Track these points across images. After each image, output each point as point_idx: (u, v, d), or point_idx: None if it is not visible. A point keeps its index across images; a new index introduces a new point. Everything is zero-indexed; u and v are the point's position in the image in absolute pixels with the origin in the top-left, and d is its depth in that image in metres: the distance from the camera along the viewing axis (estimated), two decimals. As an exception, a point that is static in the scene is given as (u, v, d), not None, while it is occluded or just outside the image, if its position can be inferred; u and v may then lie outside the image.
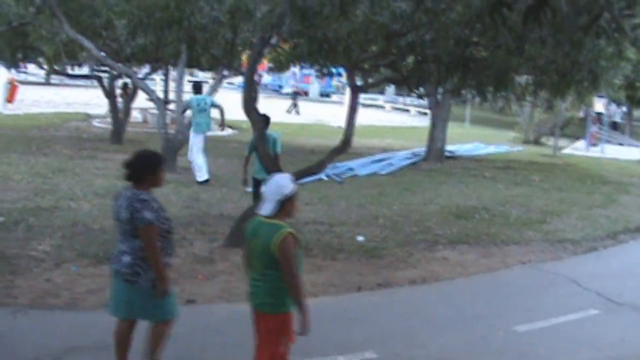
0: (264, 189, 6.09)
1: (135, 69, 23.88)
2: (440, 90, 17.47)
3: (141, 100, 27.80)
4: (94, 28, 19.33)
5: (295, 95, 50.30)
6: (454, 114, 31.48)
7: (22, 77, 45.26)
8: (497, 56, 11.00)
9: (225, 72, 21.92)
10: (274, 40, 12.37)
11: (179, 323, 6.85)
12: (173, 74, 28.25)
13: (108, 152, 22.07)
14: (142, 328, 6.69)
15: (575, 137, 40.23)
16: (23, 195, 14.42)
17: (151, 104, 26.71)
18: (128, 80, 25.62)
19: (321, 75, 15.28)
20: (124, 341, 6.72)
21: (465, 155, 28.67)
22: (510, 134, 40.06)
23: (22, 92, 37.36)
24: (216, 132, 23.16)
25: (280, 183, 6.04)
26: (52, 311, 8.59)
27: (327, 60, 11.89)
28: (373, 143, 30.30)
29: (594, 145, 35.96)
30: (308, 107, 51.50)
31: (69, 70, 32.96)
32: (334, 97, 66.86)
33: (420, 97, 23.41)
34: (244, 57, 16.83)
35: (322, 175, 18.20)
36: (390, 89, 65.41)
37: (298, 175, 12.08)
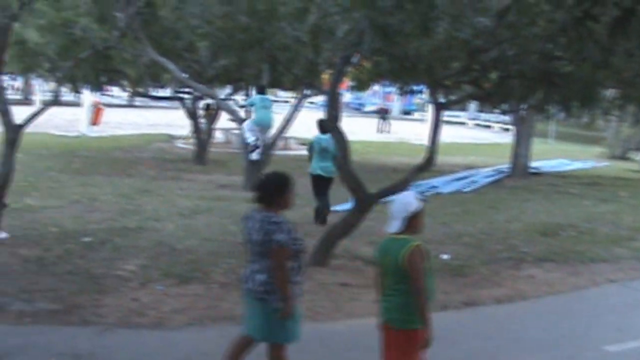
0: (391, 207, 6.20)
1: (217, 89, 24.14)
2: (524, 106, 17.25)
3: (223, 120, 28.12)
4: (177, 50, 19.63)
5: (383, 113, 50.13)
6: (538, 130, 31.09)
7: (106, 100, 46.21)
8: (583, 70, 10.80)
9: (307, 92, 22.00)
10: (355, 59, 12.37)
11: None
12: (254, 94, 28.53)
13: (191, 172, 22.37)
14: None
15: (664, 152, 39.32)
16: (109, 216, 14.69)
17: (233, 125, 27.02)
18: (210, 101, 25.93)
19: (403, 93, 15.21)
20: (236, 354, 6.85)
21: (550, 172, 28.20)
22: (596, 149, 39.36)
23: (107, 114, 38.17)
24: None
25: (406, 201, 6.18)
26: (139, 330, 8.69)
27: (409, 78, 11.85)
28: (456, 160, 30.07)
29: (683, 159, 35.08)
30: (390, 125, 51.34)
31: (152, 93, 33.54)
32: (416, 115, 66.69)
33: (503, 113, 23.18)
34: (325, 76, 16.88)
35: (405, 193, 18.05)
36: (473, 106, 64.91)
37: (381, 194, 12.04)
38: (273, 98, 32.87)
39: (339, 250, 12.10)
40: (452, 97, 15.28)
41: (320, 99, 57.44)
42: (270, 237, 6.35)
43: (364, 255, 12.12)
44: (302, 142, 19.97)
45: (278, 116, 21.18)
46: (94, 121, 35.08)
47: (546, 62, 10.75)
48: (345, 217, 12.17)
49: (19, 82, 69.64)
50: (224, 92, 28.59)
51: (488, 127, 59.94)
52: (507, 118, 41.13)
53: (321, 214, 15.09)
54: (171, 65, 17.87)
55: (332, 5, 10.66)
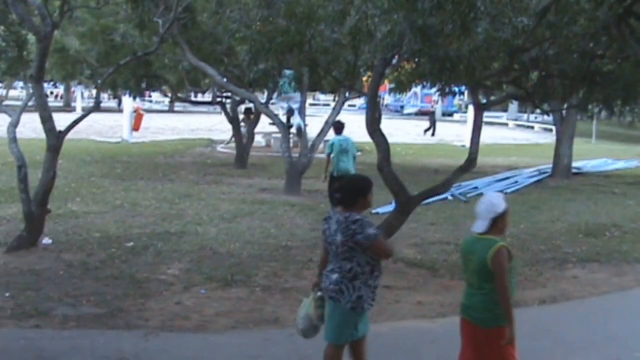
0: (477, 207, 6.25)
1: (257, 94, 24.22)
2: (566, 105, 17.11)
3: (264, 124, 28.18)
4: (216, 55, 19.71)
5: (432, 115, 49.54)
6: (580, 130, 30.78)
7: (147, 105, 46.66)
8: (625, 68, 10.71)
9: (347, 94, 21.99)
10: (395, 61, 12.35)
11: (306, 343, 6.98)
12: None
13: (233, 177, 22.44)
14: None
15: None
16: (151, 221, 14.79)
17: (274, 129, 27.06)
18: (251, 105, 25.99)
19: (443, 94, 15.15)
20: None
21: (593, 172, 27.91)
22: (639, 148, 38.90)
23: (147, 120, 38.48)
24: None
25: (493, 202, 6.23)
26: (183, 334, 8.73)
27: (450, 79, 11.80)
28: (497, 161, 29.88)
29: None
30: (430, 127, 51.19)
31: (193, 98, 33.74)
32: (457, 116, 66.46)
33: (545, 113, 23.03)
34: (366, 79, 16.85)
35: (447, 195, 18.02)
36: (514, 106, 64.55)
37: (423, 196, 12.01)
38: (312, 102, 32.91)
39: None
40: (493, 98, 15.22)
41: (360, 101, 57.37)
42: (359, 237, 6.37)
43: (406, 257, 12.09)
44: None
45: (318, 119, 21.20)
46: (135, 127, 35.33)
47: (587, 61, 10.67)
48: (388, 220, 12.15)
49: (60, 90, 70.62)
50: (264, 95, 28.70)
51: (530, 127, 59.51)
52: (548, 118, 40.76)
53: None
54: (211, 70, 17.94)
55: (372, 8, 10.64)
